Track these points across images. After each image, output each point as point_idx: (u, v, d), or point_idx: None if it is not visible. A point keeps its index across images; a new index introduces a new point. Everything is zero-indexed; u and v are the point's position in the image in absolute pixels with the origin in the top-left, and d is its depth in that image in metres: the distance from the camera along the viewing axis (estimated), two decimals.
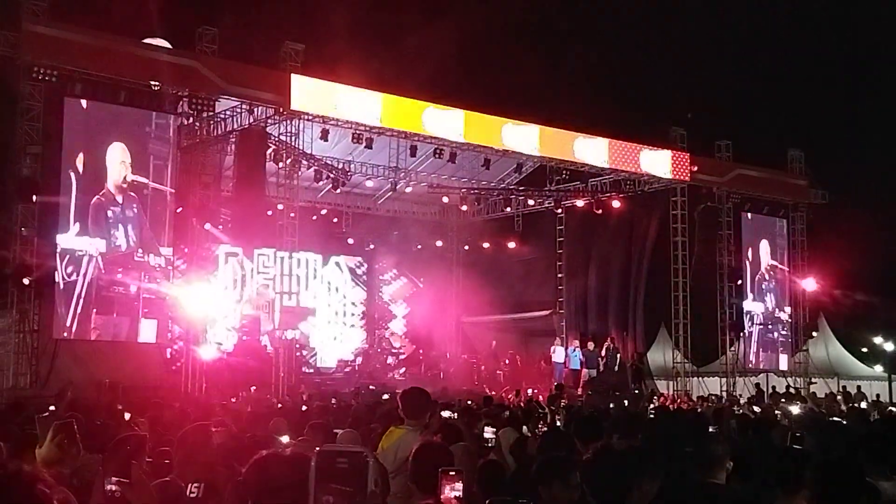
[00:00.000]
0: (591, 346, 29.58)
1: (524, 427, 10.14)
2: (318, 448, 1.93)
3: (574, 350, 29.31)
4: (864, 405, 22.47)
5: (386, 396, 18.54)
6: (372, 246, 33.56)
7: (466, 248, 35.27)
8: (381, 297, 35.26)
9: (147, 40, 23.89)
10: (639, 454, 4.57)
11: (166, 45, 23.98)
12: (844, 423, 9.60)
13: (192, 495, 5.23)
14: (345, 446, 1.83)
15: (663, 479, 5.11)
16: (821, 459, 4.28)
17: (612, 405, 17.59)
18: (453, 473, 3.80)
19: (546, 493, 5.16)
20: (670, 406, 23.18)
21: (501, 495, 5.33)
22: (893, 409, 22.46)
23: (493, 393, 23.49)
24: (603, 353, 29.35)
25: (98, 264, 21.83)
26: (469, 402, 17.91)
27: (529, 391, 26.67)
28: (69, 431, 4.92)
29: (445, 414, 8.93)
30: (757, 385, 29.68)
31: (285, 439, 7.74)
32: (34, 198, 20.83)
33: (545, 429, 9.36)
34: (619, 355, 29.63)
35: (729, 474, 5.67)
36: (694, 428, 7.99)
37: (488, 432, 7.94)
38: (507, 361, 32.09)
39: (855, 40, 41.06)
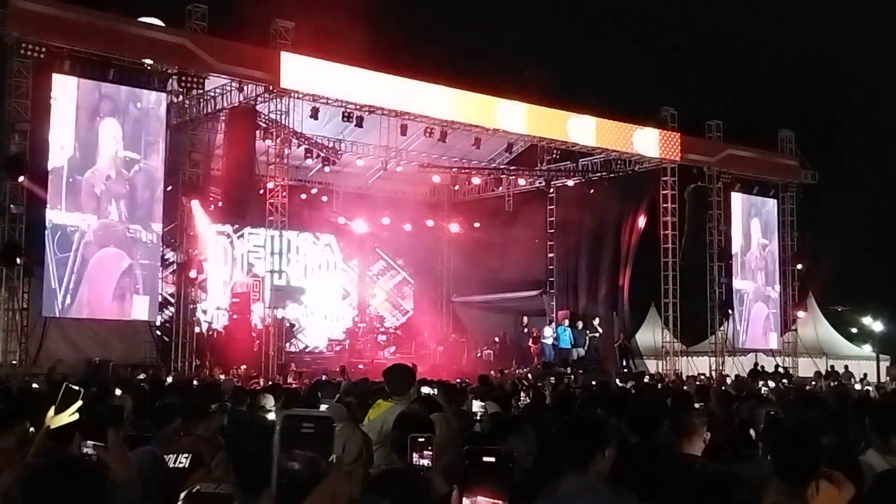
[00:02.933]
0: (579, 325, 29.64)
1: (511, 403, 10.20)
2: (283, 412, 1.92)
3: (564, 329, 29.37)
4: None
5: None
6: (362, 225, 33.50)
7: (457, 227, 35.27)
8: (371, 277, 35.29)
9: (141, 20, 23.83)
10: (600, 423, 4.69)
11: (160, 24, 23.90)
12: (819, 397, 9.69)
13: (179, 465, 5.32)
14: (311, 410, 1.82)
15: (634, 448, 5.21)
16: (782, 426, 4.36)
17: (594, 383, 17.62)
18: (422, 440, 3.84)
19: (514, 439, 5.36)
20: (658, 385, 23.27)
21: None
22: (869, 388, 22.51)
23: (494, 373, 23.44)
24: (589, 332, 29.39)
25: (90, 240, 21.80)
26: (459, 381, 17.96)
27: (519, 371, 26.78)
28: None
29: (425, 390, 8.99)
30: (755, 364, 29.83)
31: (272, 415, 7.78)
32: (21, 176, 20.71)
33: (528, 401, 9.45)
34: (598, 335, 29.66)
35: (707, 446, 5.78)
36: (674, 402, 8.08)
37: (476, 406, 8.00)
38: (496, 340, 32.20)
39: (846, 21, 41.03)
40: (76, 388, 4.30)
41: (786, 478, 3.92)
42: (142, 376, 18.94)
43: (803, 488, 3.64)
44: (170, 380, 17.55)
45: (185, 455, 5.34)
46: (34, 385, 14.70)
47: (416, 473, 3.97)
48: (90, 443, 3.48)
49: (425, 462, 3.83)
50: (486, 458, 2.51)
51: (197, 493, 3.70)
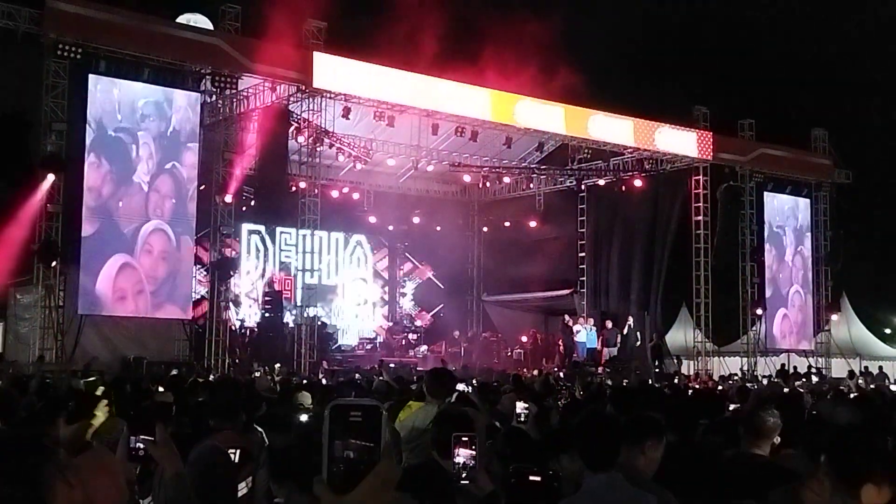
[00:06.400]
0: (610, 325, 29.51)
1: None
2: (331, 402, 1.96)
3: (591, 329, 29.28)
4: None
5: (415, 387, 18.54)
6: (393, 225, 33.63)
7: (486, 228, 35.33)
8: (403, 276, 35.36)
9: (186, 16, 24.06)
10: (632, 422, 4.65)
11: (206, 21, 24.13)
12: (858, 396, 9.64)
13: None
14: (359, 399, 1.85)
15: (677, 447, 5.20)
16: (836, 426, 4.35)
17: (626, 381, 17.58)
18: (466, 439, 3.84)
19: (566, 459, 5.25)
20: (692, 385, 23.15)
21: (525, 463, 5.40)
22: None
23: (525, 371, 23.48)
24: (625, 331, 29.27)
25: (125, 238, 21.99)
26: (496, 381, 17.93)
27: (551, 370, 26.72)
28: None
29: (460, 387, 8.98)
30: (782, 365, 29.62)
31: (303, 417, 7.83)
32: (52, 176, 20.88)
33: (565, 402, 9.45)
34: (638, 334, 29.53)
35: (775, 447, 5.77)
36: (711, 402, 8.07)
37: (519, 407, 7.99)
38: (525, 339, 32.16)
39: (880, 18, 40.63)
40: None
41: (842, 477, 3.91)
42: (174, 372, 19.08)
43: (859, 488, 3.64)
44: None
45: (233, 451, 5.41)
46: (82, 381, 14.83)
47: (443, 468, 3.97)
48: (140, 437, 3.55)
49: (470, 461, 3.83)
50: (532, 478, 2.52)
51: None
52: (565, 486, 4.16)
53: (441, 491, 3.93)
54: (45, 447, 2.92)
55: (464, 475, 3.89)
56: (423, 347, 31.22)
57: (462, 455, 3.87)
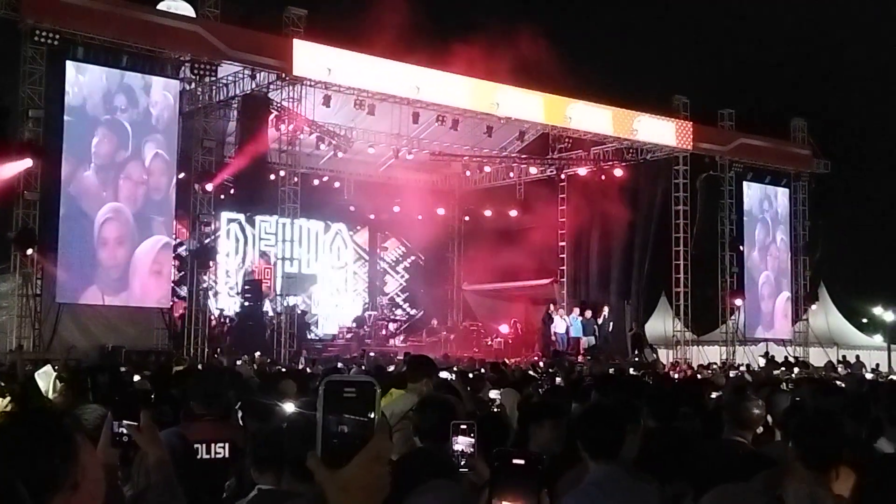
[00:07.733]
0: (588, 314, 29.56)
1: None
2: (326, 378, 1.96)
3: (576, 318, 29.34)
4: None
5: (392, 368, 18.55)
6: (373, 214, 33.56)
7: (467, 217, 35.32)
8: (382, 265, 35.31)
9: (167, 2, 23.91)
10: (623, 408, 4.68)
11: (188, 7, 23.98)
12: (840, 384, 9.69)
13: (217, 455, 5.32)
14: (353, 375, 1.84)
15: (656, 434, 5.23)
16: (803, 411, 4.38)
17: (612, 370, 17.66)
18: (465, 426, 3.82)
19: (539, 432, 5.31)
20: (672, 374, 23.24)
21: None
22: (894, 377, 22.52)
23: (509, 361, 23.53)
24: (600, 321, 29.35)
25: (103, 227, 21.85)
26: (480, 370, 17.96)
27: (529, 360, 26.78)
28: (79, 384, 4.98)
29: (444, 374, 8.98)
30: (765, 353, 29.82)
31: (289, 406, 7.79)
32: (29, 161, 20.70)
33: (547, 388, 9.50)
34: (611, 324, 29.60)
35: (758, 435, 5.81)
36: (689, 390, 8.10)
37: (493, 393, 8.00)
38: (507, 329, 32.20)
39: (859, 7, 40.85)
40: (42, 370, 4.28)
41: (809, 463, 3.93)
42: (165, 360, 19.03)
43: (826, 473, 3.64)
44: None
45: (221, 444, 5.31)
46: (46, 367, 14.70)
47: (440, 455, 3.96)
48: (124, 422, 3.50)
49: (469, 449, 3.81)
50: (515, 461, 2.50)
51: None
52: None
53: (448, 475, 3.92)
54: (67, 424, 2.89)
55: (462, 463, 3.87)
56: (403, 336, 31.20)
57: (461, 443, 3.85)
